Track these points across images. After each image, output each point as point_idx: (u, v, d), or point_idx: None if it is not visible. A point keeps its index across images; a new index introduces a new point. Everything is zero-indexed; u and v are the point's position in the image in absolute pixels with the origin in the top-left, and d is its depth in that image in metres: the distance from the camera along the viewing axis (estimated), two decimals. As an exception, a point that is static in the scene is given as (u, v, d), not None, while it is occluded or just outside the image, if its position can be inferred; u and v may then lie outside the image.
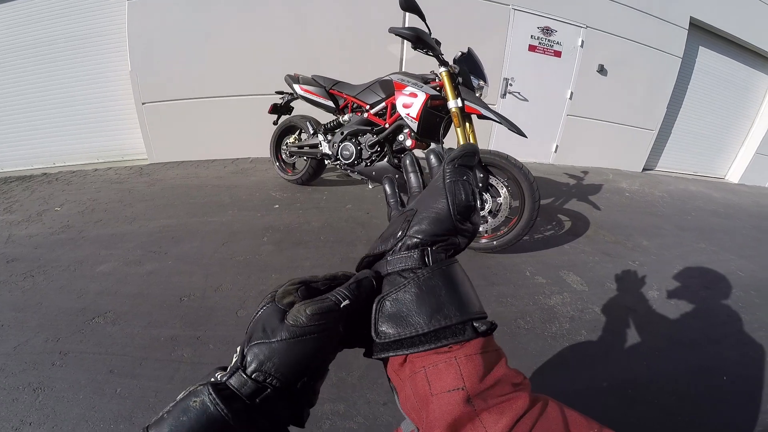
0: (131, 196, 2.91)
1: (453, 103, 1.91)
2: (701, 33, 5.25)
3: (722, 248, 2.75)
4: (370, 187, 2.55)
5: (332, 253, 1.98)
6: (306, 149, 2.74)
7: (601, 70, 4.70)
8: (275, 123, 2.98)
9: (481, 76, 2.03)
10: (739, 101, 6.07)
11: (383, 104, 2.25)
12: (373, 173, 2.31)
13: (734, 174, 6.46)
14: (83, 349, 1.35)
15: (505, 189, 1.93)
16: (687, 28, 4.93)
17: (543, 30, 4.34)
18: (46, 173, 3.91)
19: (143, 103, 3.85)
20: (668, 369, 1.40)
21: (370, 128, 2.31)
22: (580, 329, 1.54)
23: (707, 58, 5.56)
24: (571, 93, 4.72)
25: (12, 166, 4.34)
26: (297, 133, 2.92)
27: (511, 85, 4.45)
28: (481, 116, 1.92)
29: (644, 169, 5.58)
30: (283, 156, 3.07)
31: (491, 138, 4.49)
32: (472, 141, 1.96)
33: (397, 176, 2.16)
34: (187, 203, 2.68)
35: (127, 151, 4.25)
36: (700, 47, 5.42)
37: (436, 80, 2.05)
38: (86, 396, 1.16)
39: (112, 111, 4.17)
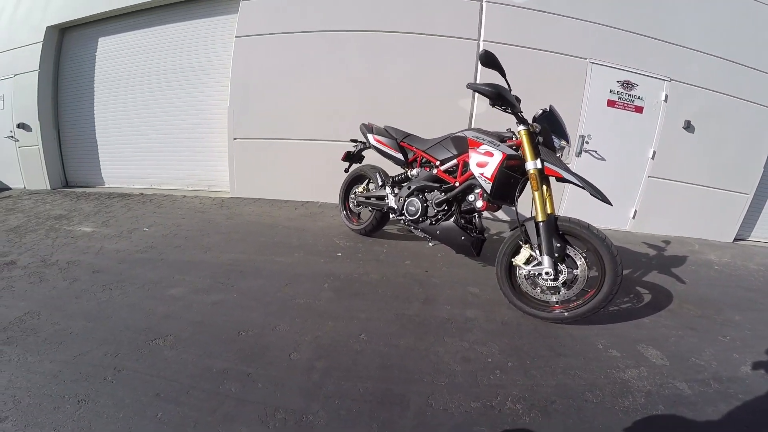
0: (210, 226, 3.17)
1: (532, 165, 1.81)
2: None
3: (829, 322, 2.23)
4: (430, 245, 2.49)
5: (388, 308, 1.94)
6: (373, 200, 2.79)
7: (688, 126, 4.23)
8: (346, 171, 3.10)
9: (563, 135, 1.89)
10: None
11: (454, 161, 2.22)
12: (437, 232, 2.24)
13: None
14: (137, 368, 1.39)
15: (582, 260, 1.76)
16: (783, 76, 4.26)
17: (623, 84, 4.10)
18: (143, 193, 4.46)
19: (234, 138, 4.18)
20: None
21: (438, 185, 2.28)
22: (658, 404, 1.36)
23: (807, 110, 4.67)
24: (654, 152, 4.28)
25: (117, 183, 5.01)
26: (365, 182, 3.01)
27: (587, 143, 4.18)
28: (561, 179, 1.79)
29: (736, 239, 4.75)
30: (351, 205, 3.16)
31: (563, 201, 4.18)
32: (549, 205, 1.83)
33: (463, 238, 2.11)
34: (258, 241, 2.85)
35: (213, 182, 4.65)
36: (798, 98, 4.60)
37: (513, 139, 1.98)
38: (126, 416, 1.16)
39: (206, 143, 4.57)
